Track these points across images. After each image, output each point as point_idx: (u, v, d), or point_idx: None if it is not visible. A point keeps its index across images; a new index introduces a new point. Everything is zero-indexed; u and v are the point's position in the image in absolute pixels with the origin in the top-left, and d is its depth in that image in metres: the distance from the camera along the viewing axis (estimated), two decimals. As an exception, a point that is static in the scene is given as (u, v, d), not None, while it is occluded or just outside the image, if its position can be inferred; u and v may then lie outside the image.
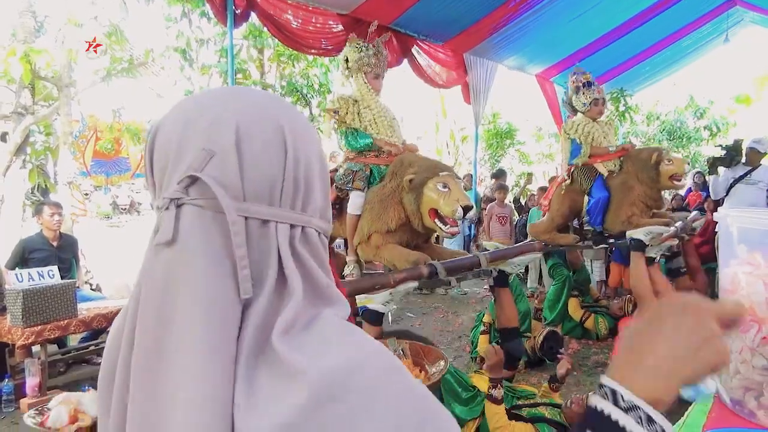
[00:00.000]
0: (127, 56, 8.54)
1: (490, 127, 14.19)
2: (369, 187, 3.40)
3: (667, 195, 13.89)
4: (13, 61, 6.85)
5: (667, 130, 15.68)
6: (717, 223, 1.72)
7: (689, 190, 11.52)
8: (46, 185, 8.50)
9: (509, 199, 8.82)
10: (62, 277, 4.22)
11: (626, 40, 8.48)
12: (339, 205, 3.51)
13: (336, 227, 3.41)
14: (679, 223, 4.60)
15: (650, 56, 9.57)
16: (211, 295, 0.50)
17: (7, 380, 3.90)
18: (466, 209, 2.94)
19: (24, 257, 4.63)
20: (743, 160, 6.20)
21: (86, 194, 9.42)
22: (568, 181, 5.41)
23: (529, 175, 11.39)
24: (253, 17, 5.59)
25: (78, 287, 4.53)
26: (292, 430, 0.45)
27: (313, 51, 6.44)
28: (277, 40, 7.06)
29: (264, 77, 9.71)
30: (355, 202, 3.35)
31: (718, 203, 6.29)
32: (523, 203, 9.38)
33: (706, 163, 8.60)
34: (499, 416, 2.80)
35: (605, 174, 5.15)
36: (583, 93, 5.16)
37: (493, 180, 8.96)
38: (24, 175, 7.77)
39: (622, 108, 10.60)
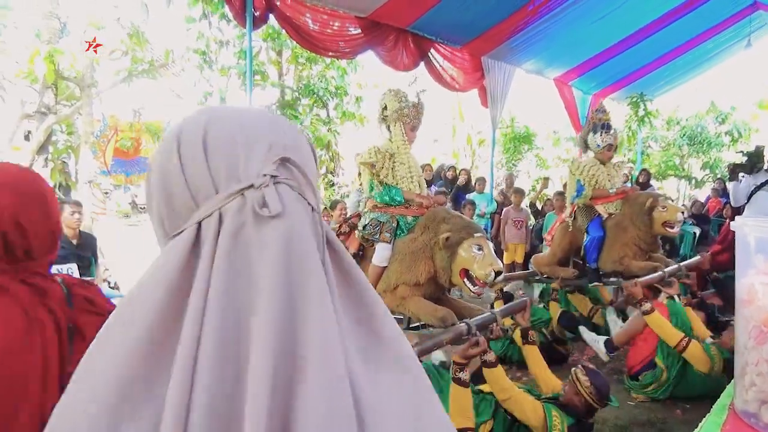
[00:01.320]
0: (148, 57, 8.65)
1: (508, 131, 14.12)
2: (396, 236, 3.48)
3: (687, 202, 13.74)
4: (37, 61, 6.98)
5: (687, 135, 15.48)
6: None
7: (708, 197, 11.38)
8: (67, 183, 8.63)
9: (525, 203, 8.76)
10: (81, 275, 4.27)
11: (646, 45, 8.39)
12: (362, 253, 3.60)
13: None
14: (671, 268, 4.77)
15: (671, 60, 9.46)
16: (320, 266, 0.55)
17: (26, 375, 3.96)
18: (498, 273, 3.12)
19: (44, 255, 4.70)
20: (765, 166, 6.10)
21: (106, 193, 9.53)
22: (571, 219, 5.56)
23: (545, 179, 11.30)
24: (272, 19, 5.63)
25: (96, 285, 4.59)
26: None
27: (330, 53, 6.47)
28: (295, 42, 7.10)
29: (282, 79, 9.76)
30: (381, 255, 3.43)
31: (738, 210, 6.20)
32: (539, 207, 9.33)
33: (726, 169, 8.47)
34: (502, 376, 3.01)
35: (605, 215, 5.31)
36: (600, 135, 5.30)
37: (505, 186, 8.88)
38: (46, 173, 7.90)
39: (641, 113, 10.48)
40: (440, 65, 7.27)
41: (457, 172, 9.65)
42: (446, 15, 6.34)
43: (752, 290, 1.52)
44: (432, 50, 7.11)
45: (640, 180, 10.51)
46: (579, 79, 9.66)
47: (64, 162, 9.07)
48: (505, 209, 8.18)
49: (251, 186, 0.54)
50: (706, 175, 15.75)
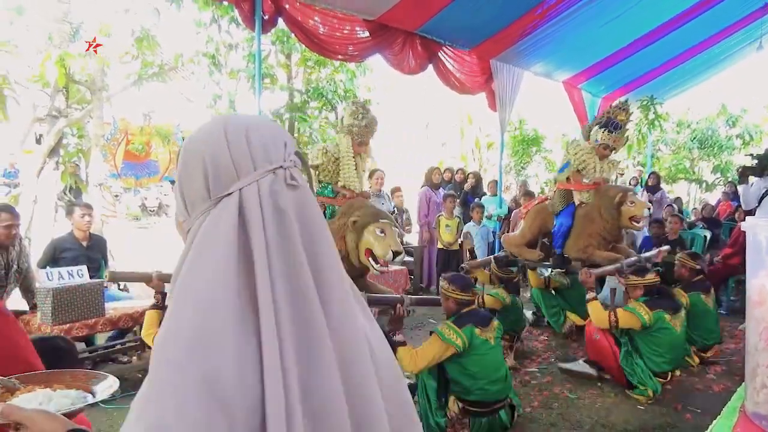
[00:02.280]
0: (158, 61, 8.69)
1: (516, 134, 14.08)
2: None
3: (697, 205, 13.63)
4: (49, 65, 7.03)
5: (698, 138, 15.37)
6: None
7: (719, 201, 11.28)
8: (78, 186, 8.69)
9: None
10: (91, 277, 4.30)
11: (656, 47, 8.35)
12: None
13: None
14: (630, 259, 4.98)
15: (681, 63, 9.41)
16: (321, 212, 0.83)
17: (36, 376, 3.98)
18: (396, 254, 3.73)
19: (55, 256, 4.73)
20: (776, 169, 6.05)
21: (116, 196, 9.60)
22: (552, 196, 5.78)
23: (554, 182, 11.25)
24: (281, 23, 5.65)
25: (106, 287, 4.62)
26: None
27: (339, 57, 6.48)
28: (304, 46, 7.11)
29: (291, 82, 9.79)
30: None
31: (749, 213, 6.15)
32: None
33: (736, 172, 8.41)
34: (406, 354, 3.39)
35: (578, 202, 5.48)
36: (602, 132, 5.41)
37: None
38: (57, 176, 7.95)
39: (651, 116, 10.42)
40: (448, 68, 7.26)
41: (466, 175, 9.63)
42: (454, 18, 6.34)
43: (763, 291, 1.50)
44: (440, 53, 7.11)
45: (650, 183, 10.46)
46: (588, 82, 9.63)
47: (76, 165, 9.12)
48: (514, 211, 8.18)
49: (281, 167, 0.78)
50: (717, 178, 15.63)
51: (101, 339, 4.95)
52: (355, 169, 4.26)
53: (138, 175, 12.03)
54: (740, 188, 6.61)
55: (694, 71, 10.11)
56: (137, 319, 4.40)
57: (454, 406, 3.43)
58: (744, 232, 1.61)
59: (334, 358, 0.71)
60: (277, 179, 0.77)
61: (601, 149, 5.39)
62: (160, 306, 3.40)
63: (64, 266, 4.24)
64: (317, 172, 4.22)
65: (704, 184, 15.88)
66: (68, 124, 8.07)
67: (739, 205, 7.30)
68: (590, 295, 4.50)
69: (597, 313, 4.36)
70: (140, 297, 5.33)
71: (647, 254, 5.68)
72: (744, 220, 1.64)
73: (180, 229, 0.85)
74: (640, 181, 12.54)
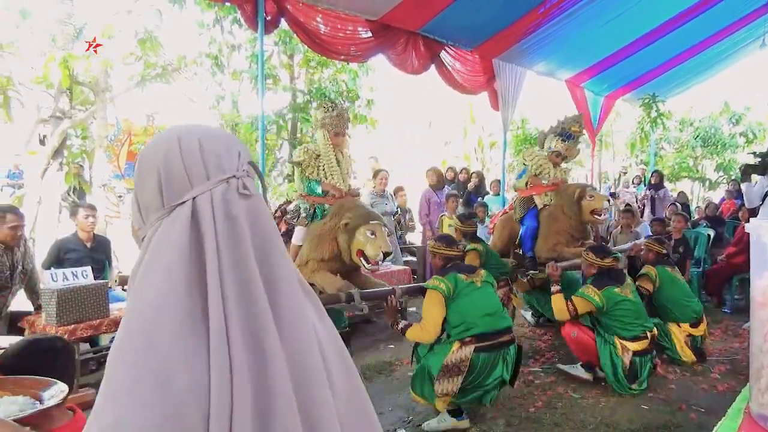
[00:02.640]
0: (161, 62, 8.70)
1: (519, 133, 14.06)
2: (313, 221, 4.24)
3: (700, 203, 13.60)
4: (53, 66, 7.06)
5: (701, 136, 15.33)
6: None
7: (723, 199, 11.25)
8: (81, 187, 8.71)
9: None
10: (95, 278, 4.31)
11: (659, 45, 8.33)
12: (288, 235, 4.41)
13: None
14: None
15: (684, 61, 9.39)
16: (273, 221, 0.84)
17: (41, 377, 3.99)
18: (386, 255, 3.93)
19: (59, 257, 4.74)
20: (779, 167, 6.02)
21: (120, 196, 9.60)
22: (514, 209, 5.90)
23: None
24: (284, 23, 5.65)
25: (110, 288, 4.63)
26: None
27: (341, 57, 6.48)
28: (306, 46, 7.11)
29: (294, 82, 9.78)
30: (298, 235, 4.29)
31: (753, 212, 6.12)
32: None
33: (739, 170, 8.39)
34: (415, 329, 3.63)
35: (540, 206, 5.61)
36: (556, 141, 5.60)
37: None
38: (61, 177, 7.98)
39: (654, 114, 10.39)
40: (451, 68, 7.26)
41: (469, 174, 9.62)
42: (457, 18, 6.34)
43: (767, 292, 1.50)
44: (443, 53, 7.11)
45: (653, 182, 10.44)
46: (591, 81, 9.61)
47: (80, 166, 9.13)
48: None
49: (234, 176, 0.80)
50: (720, 176, 15.59)
51: (106, 340, 4.96)
52: (338, 164, 4.38)
53: (141, 176, 12.02)
54: (743, 186, 6.58)
55: (697, 69, 10.09)
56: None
57: (456, 353, 3.47)
58: (747, 231, 1.61)
59: (284, 359, 0.72)
60: (229, 188, 0.78)
61: (553, 156, 5.60)
62: None
63: (68, 267, 4.25)
64: (301, 170, 4.35)
65: (707, 183, 15.85)
66: (72, 125, 8.09)
67: (743, 204, 7.27)
68: (555, 288, 4.65)
69: (558, 305, 4.54)
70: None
71: (622, 246, 5.87)
72: (748, 219, 1.64)
73: (135, 236, 0.86)
74: (643, 179, 12.52)
